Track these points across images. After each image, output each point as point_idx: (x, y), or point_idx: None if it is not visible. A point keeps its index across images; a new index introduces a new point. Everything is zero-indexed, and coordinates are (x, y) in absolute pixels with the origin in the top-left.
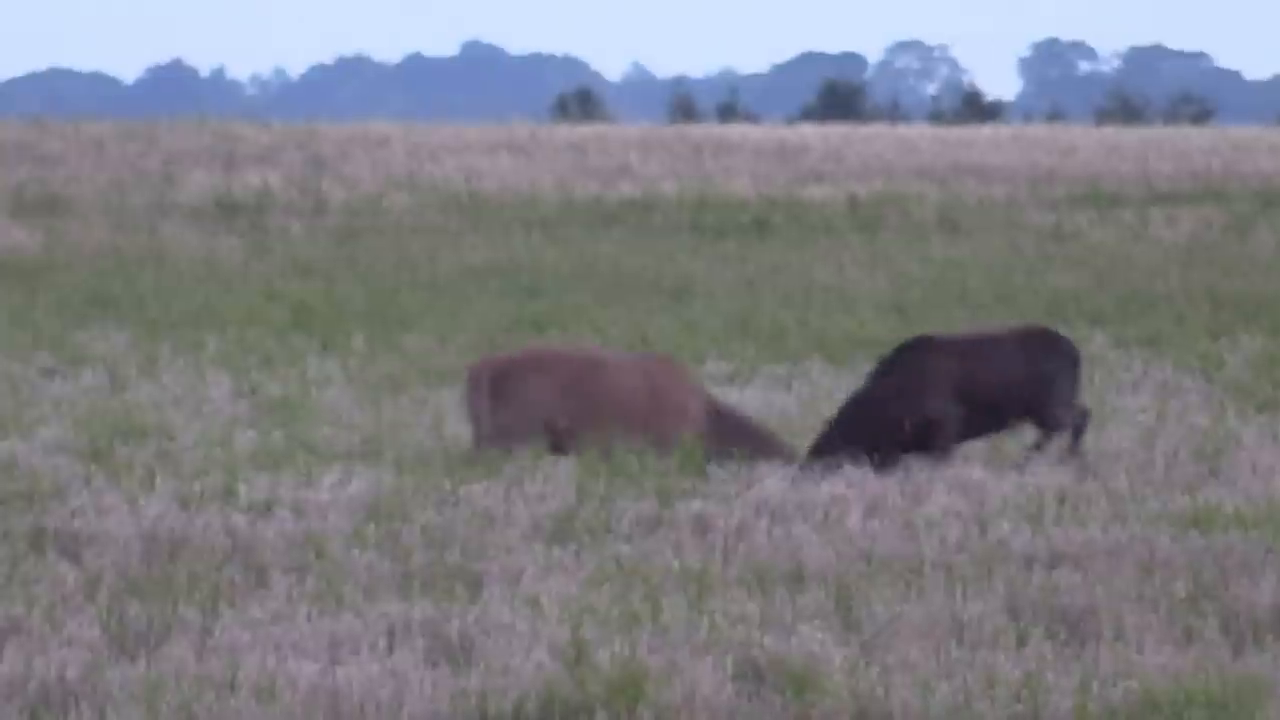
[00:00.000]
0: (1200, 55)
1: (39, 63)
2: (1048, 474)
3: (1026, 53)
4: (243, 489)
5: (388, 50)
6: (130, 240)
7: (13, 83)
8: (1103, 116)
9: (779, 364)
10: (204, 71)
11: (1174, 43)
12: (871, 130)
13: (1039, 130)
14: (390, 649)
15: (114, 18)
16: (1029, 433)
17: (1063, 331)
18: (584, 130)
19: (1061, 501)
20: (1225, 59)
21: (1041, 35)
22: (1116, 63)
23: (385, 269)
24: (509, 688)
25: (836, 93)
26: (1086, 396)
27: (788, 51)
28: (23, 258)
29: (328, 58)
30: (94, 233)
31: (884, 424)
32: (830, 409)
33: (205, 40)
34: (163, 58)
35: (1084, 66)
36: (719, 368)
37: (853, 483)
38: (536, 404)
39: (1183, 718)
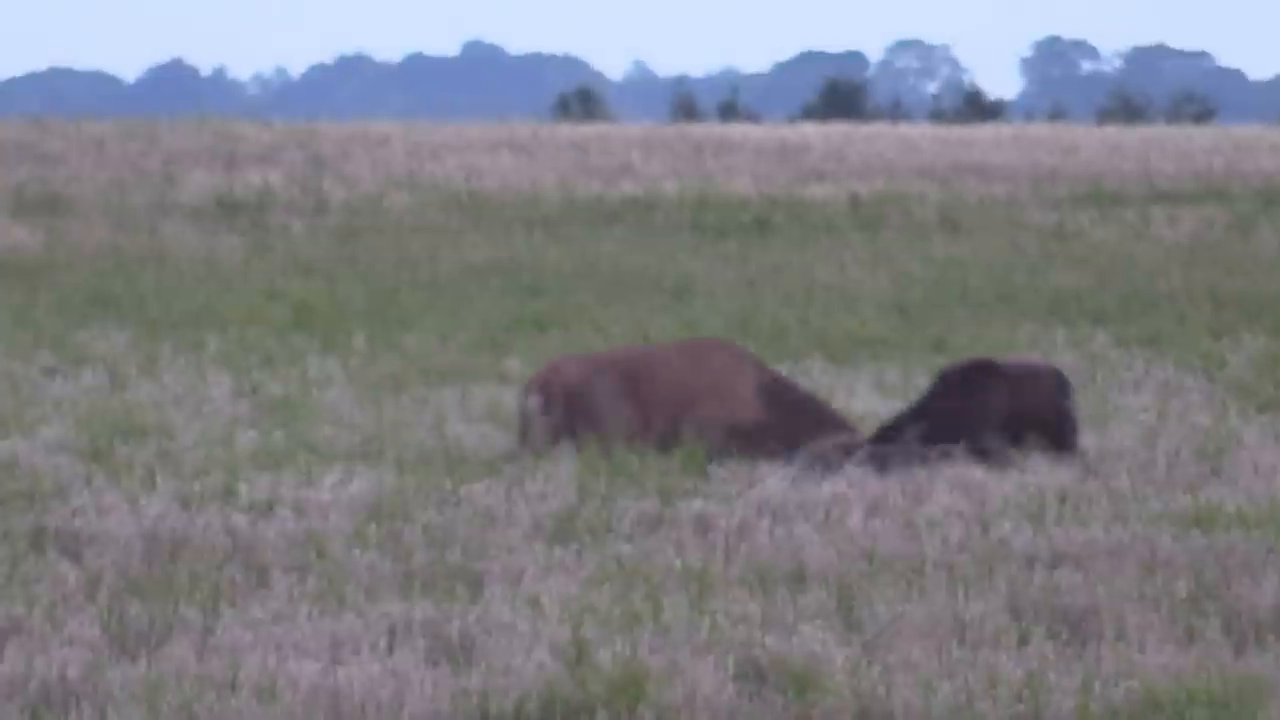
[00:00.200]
0: (1202, 54)
1: (39, 62)
2: (1049, 474)
3: (1028, 52)
4: (243, 489)
5: (388, 49)
6: (131, 239)
7: (13, 82)
8: (1104, 116)
9: (780, 363)
10: (205, 71)
11: (1176, 42)
12: (873, 129)
13: (1040, 129)
14: (391, 649)
15: (115, 17)
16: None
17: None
18: (585, 129)
19: (1063, 501)
20: (1227, 58)
21: (1043, 34)
22: (1118, 62)
23: (386, 268)
24: (510, 687)
25: (838, 92)
26: (1089, 396)
27: (789, 50)
28: (23, 257)
29: (328, 57)
30: (94, 232)
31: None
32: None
33: (206, 39)
34: (163, 57)
35: (1086, 66)
36: None
37: (854, 482)
38: (610, 414)
39: (1184, 718)
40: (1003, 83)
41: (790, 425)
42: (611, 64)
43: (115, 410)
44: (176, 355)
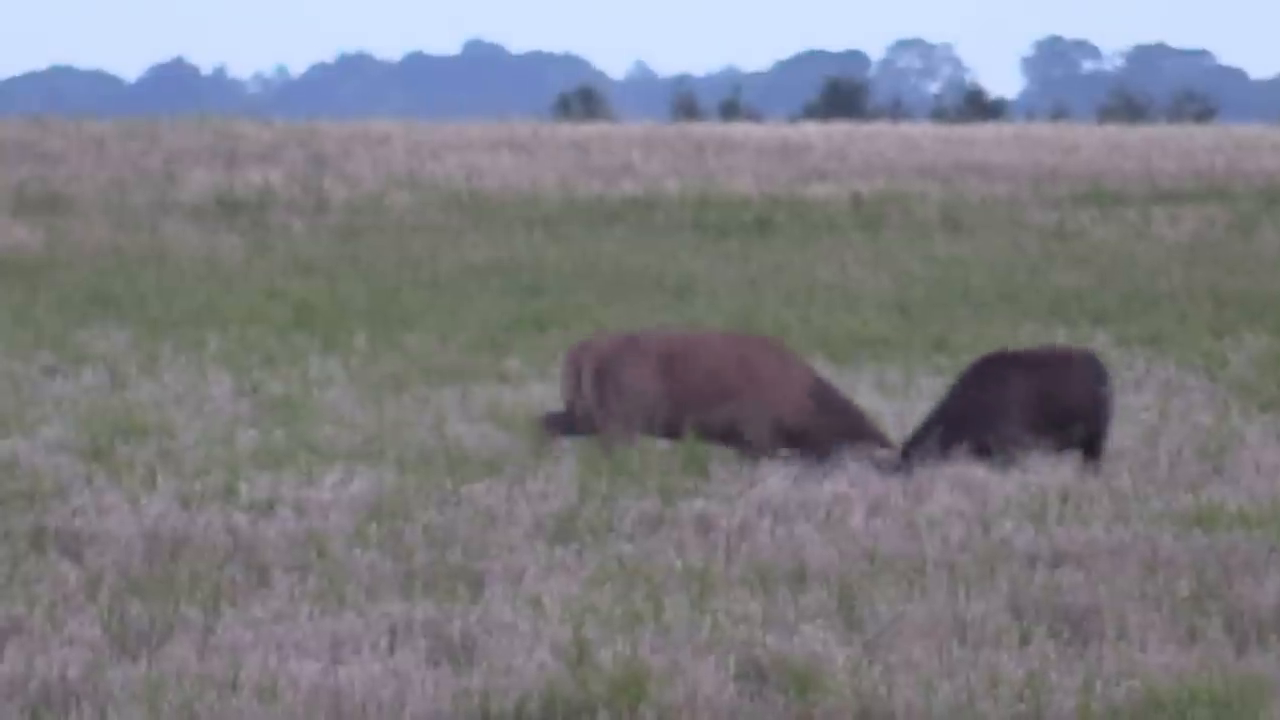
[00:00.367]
0: (1203, 53)
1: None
2: (1050, 473)
3: (1029, 51)
4: (244, 488)
5: (389, 48)
6: (131, 239)
7: (14, 81)
8: (1106, 115)
9: None
10: (205, 70)
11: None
12: (874, 128)
13: (1042, 129)
14: (392, 648)
15: (115, 16)
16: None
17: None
18: (586, 128)
19: (1064, 500)
20: (1228, 57)
21: (1044, 33)
22: (1119, 61)
23: (387, 267)
24: (511, 687)
25: (839, 91)
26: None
27: (790, 49)
28: (24, 256)
29: (329, 56)
30: (95, 231)
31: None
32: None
33: (206, 38)
34: (164, 56)
35: (1087, 65)
36: None
37: (855, 482)
38: (639, 389)
39: (1186, 717)
40: (1004, 82)
41: (833, 429)
42: (612, 63)
43: (116, 410)
44: (177, 354)
